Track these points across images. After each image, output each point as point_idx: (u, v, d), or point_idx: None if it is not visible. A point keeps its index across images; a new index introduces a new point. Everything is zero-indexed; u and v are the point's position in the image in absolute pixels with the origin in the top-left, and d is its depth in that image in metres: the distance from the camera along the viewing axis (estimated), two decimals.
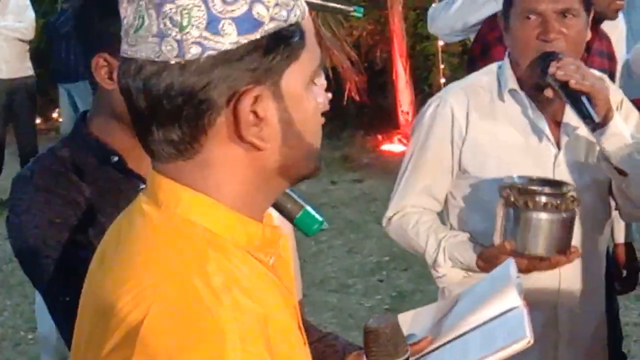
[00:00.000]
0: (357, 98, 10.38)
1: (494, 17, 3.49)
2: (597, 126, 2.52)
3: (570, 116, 2.67)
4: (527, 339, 1.83)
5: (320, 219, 2.02)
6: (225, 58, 1.27)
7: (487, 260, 2.56)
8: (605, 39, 3.41)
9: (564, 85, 2.51)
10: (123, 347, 1.23)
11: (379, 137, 10.34)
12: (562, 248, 2.52)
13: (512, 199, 2.49)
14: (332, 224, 7.54)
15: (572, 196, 2.51)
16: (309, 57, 1.34)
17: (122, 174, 1.94)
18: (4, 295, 6.22)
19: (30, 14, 9.43)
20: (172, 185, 1.35)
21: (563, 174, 2.67)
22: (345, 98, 10.16)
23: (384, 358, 1.52)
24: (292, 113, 1.33)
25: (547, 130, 2.69)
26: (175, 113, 1.29)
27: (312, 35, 1.36)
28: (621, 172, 2.61)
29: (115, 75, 1.82)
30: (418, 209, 2.79)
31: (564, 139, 2.71)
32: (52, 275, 1.88)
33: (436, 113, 2.77)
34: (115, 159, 1.93)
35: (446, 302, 2.21)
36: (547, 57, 2.59)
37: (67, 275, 1.80)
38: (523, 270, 2.48)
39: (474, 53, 3.71)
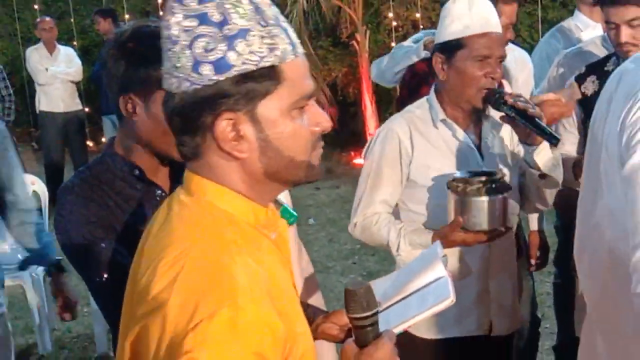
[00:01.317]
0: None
1: (412, 66, 3.53)
2: (557, 141, 2.53)
3: (486, 132, 2.72)
4: (450, 299, 1.87)
5: (295, 214, 2.04)
6: (206, 91, 1.34)
7: (442, 237, 2.49)
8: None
9: (520, 112, 2.50)
10: (163, 293, 1.29)
11: (352, 153, 10.33)
12: (500, 223, 2.51)
13: (459, 189, 2.49)
14: (317, 220, 7.59)
15: (503, 181, 2.52)
16: (288, 92, 1.37)
17: (143, 183, 1.95)
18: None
19: (77, 61, 9.34)
20: (200, 179, 1.41)
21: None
22: None
23: (359, 311, 1.52)
24: (269, 133, 1.37)
25: (472, 145, 2.70)
26: (181, 128, 1.40)
27: (298, 72, 1.39)
28: (541, 176, 2.64)
29: (137, 109, 1.88)
30: (376, 214, 2.75)
31: (486, 150, 2.72)
32: (90, 263, 1.89)
33: (385, 140, 2.72)
34: (137, 172, 1.95)
35: (390, 276, 2.23)
36: (496, 92, 2.60)
37: (97, 261, 1.85)
38: (470, 243, 2.53)
39: (403, 96, 3.61)
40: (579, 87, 3.10)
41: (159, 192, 1.94)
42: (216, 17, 1.33)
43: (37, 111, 9.44)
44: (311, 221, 7.56)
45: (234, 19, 1.33)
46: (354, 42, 10.27)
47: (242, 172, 1.40)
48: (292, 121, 1.39)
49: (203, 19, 1.33)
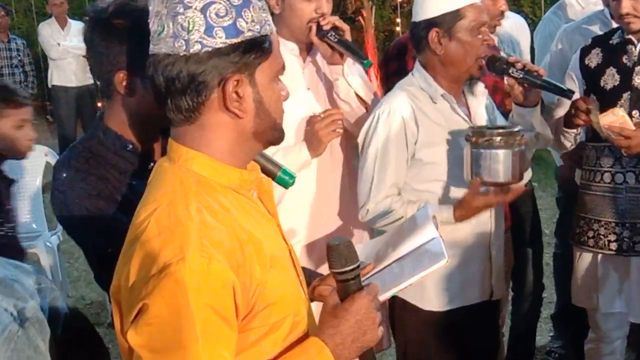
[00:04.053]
0: None
1: (397, 40, 3.64)
2: (572, 93, 2.67)
3: (472, 103, 2.78)
4: (445, 259, 1.90)
5: (294, 175, 2.10)
6: (217, 53, 1.44)
7: (464, 206, 2.54)
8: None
9: (529, 72, 2.59)
10: (130, 249, 1.43)
11: None
12: (516, 175, 2.52)
13: (477, 141, 2.49)
14: None
15: (521, 135, 2.53)
16: (274, 61, 1.51)
17: (136, 156, 1.94)
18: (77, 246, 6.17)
19: None
20: (178, 146, 1.52)
21: None
22: None
23: (339, 266, 1.55)
24: (262, 96, 1.50)
25: (466, 117, 2.72)
26: (183, 89, 1.46)
27: (277, 45, 1.53)
28: (536, 136, 2.79)
29: (136, 86, 1.87)
30: (388, 198, 2.68)
31: (476, 120, 2.76)
32: (92, 235, 1.89)
33: (389, 121, 2.64)
34: (130, 146, 1.94)
35: (382, 238, 2.25)
36: (496, 59, 2.67)
37: (104, 232, 1.83)
38: (493, 204, 2.58)
39: (391, 70, 3.61)
40: (584, 59, 3.11)
41: (152, 164, 1.90)
42: None
43: (50, 85, 9.49)
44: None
45: None
46: (360, 18, 10.28)
47: (234, 132, 1.51)
48: (276, 87, 1.54)
49: None
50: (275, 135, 1.57)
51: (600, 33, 3.25)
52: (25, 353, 1.37)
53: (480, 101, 2.81)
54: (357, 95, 2.79)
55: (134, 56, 1.82)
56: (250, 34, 1.45)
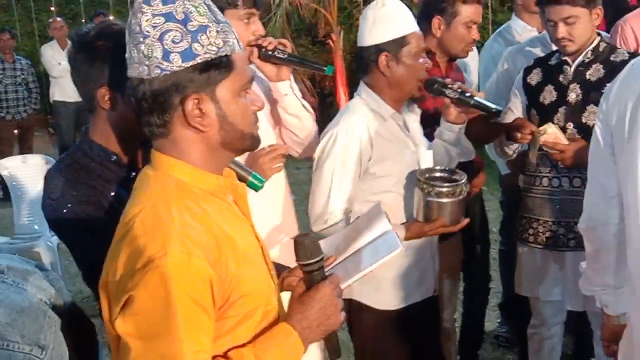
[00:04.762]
0: None
1: None
2: (500, 112, 2.73)
3: (408, 120, 2.78)
4: (400, 249, 1.92)
5: (264, 180, 2.13)
6: (175, 76, 1.44)
7: (415, 233, 2.59)
8: (459, 71, 3.42)
9: (462, 95, 2.65)
10: (117, 246, 1.44)
11: None
12: (460, 218, 2.59)
13: (425, 189, 2.53)
14: (297, 196, 7.56)
15: (464, 184, 2.56)
16: (238, 77, 1.50)
17: (120, 166, 1.92)
18: None
19: None
20: (160, 156, 1.52)
21: (422, 155, 2.76)
22: None
23: (306, 258, 1.58)
24: (226, 111, 1.49)
25: (407, 132, 2.74)
26: (150, 110, 1.47)
27: (242, 63, 1.52)
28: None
29: (117, 102, 1.85)
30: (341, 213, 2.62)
31: (413, 135, 2.78)
32: (82, 237, 1.86)
33: (347, 140, 2.59)
34: (114, 157, 1.92)
35: (342, 233, 2.27)
36: (434, 81, 2.71)
37: (93, 235, 1.78)
38: (435, 233, 2.64)
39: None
40: (527, 77, 3.14)
41: (134, 173, 1.87)
42: (180, 15, 1.44)
43: (52, 101, 9.39)
44: (292, 197, 7.50)
45: (196, 17, 1.45)
46: (330, 41, 10.30)
47: (203, 144, 1.50)
48: (241, 101, 1.52)
49: (169, 17, 1.44)
50: (246, 144, 1.56)
51: (542, 55, 3.28)
52: (59, 337, 1.38)
53: (415, 119, 2.82)
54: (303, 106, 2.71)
55: (115, 74, 1.80)
56: (207, 56, 1.44)
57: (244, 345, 1.50)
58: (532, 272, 3.24)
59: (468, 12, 3.15)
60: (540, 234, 3.09)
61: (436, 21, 3.16)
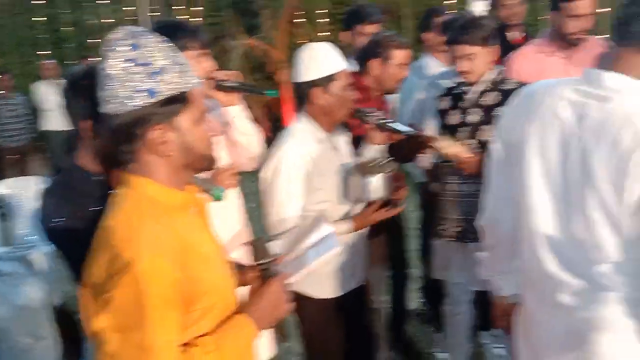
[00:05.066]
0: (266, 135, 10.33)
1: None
2: (413, 133, 2.81)
3: (335, 141, 2.77)
4: (338, 248, 1.92)
5: (223, 189, 2.13)
6: (141, 111, 1.43)
7: (361, 220, 2.61)
8: (387, 102, 3.46)
9: (381, 121, 2.73)
10: (100, 245, 1.42)
11: None
12: (390, 192, 2.64)
13: (363, 172, 2.58)
14: (254, 203, 7.43)
15: (391, 160, 2.61)
16: (195, 108, 1.48)
17: (101, 185, 1.90)
18: None
19: None
20: (132, 177, 1.50)
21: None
22: None
23: (260, 258, 1.61)
24: (186, 137, 1.47)
25: (338, 151, 2.75)
26: (119, 140, 1.47)
27: (199, 96, 1.49)
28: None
29: (95, 131, 1.85)
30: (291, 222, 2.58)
31: (341, 150, 2.78)
32: (72, 245, 1.82)
33: (291, 160, 2.57)
34: (96, 178, 1.91)
35: (290, 237, 2.28)
36: (359, 110, 2.75)
37: (80, 243, 1.72)
38: (383, 217, 2.64)
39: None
40: (438, 103, 3.20)
41: (112, 191, 1.85)
42: (145, 59, 1.42)
43: (42, 130, 9.24)
44: (252, 204, 7.39)
45: (158, 60, 1.43)
46: (277, 74, 10.32)
47: (167, 166, 1.48)
48: (200, 128, 1.50)
49: (135, 61, 1.42)
50: (205, 164, 1.54)
51: (450, 85, 3.32)
52: (53, 330, 1.35)
53: (344, 140, 2.84)
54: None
55: (96, 108, 1.79)
56: (168, 93, 1.43)
57: (207, 334, 1.49)
58: (444, 259, 3.30)
59: (400, 56, 3.23)
60: (450, 229, 3.14)
61: (373, 63, 3.20)
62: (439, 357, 3.72)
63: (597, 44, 3.46)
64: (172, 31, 2.14)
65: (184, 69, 1.47)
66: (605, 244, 1.65)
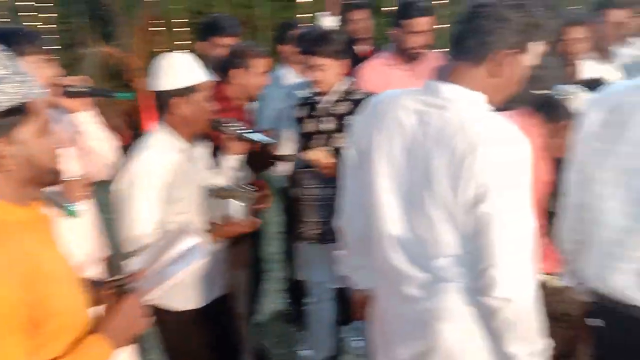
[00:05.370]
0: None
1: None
2: (269, 143, 2.88)
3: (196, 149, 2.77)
4: (203, 258, 1.87)
5: (75, 209, 2.08)
6: None
7: (219, 233, 2.61)
8: (247, 112, 3.50)
9: (238, 131, 2.77)
10: None
11: None
12: (247, 214, 2.65)
13: (221, 196, 2.61)
14: (111, 214, 7.11)
15: (248, 190, 2.66)
16: (37, 119, 1.37)
17: None
18: None
19: None
20: None
21: (208, 179, 2.74)
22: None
23: (114, 275, 1.59)
24: (28, 150, 1.37)
25: (196, 161, 2.70)
26: None
27: (42, 107, 1.39)
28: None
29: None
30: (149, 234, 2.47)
31: (197, 158, 2.72)
32: None
33: (147, 171, 2.49)
34: None
35: (152, 250, 2.10)
36: (216, 121, 2.77)
37: None
38: (239, 232, 2.66)
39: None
40: (295, 113, 3.29)
41: None
42: None
43: None
44: (110, 215, 7.01)
45: None
46: (136, 84, 10.08)
47: (9, 180, 1.38)
48: (43, 140, 1.39)
49: None
50: (50, 178, 1.44)
51: (307, 95, 3.40)
52: None
53: (203, 149, 2.80)
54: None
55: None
56: (7, 104, 1.33)
57: (59, 357, 1.41)
58: (306, 260, 3.39)
59: (259, 64, 3.31)
60: (311, 231, 3.23)
61: (235, 72, 3.27)
62: (303, 354, 3.78)
63: (436, 57, 3.75)
64: (10, 38, 2.05)
65: (24, 79, 1.35)
66: (445, 240, 1.78)
